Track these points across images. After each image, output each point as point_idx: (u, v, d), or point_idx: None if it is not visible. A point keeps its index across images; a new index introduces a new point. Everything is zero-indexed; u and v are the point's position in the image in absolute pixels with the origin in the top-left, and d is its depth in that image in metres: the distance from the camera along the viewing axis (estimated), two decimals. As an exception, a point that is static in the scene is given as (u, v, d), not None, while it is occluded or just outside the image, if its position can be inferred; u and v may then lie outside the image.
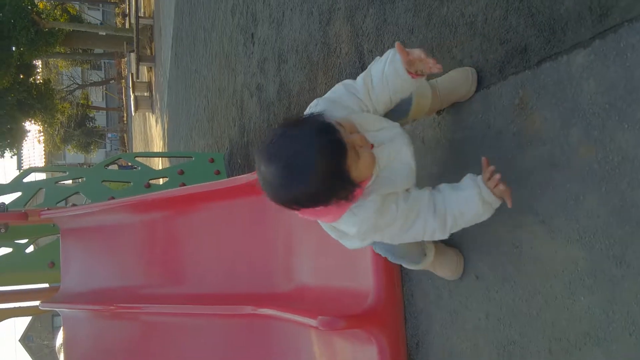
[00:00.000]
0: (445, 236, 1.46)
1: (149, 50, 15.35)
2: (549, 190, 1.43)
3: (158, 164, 10.68)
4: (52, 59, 27.11)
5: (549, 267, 1.43)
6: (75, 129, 29.93)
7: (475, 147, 1.72)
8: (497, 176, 1.38)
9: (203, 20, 6.29)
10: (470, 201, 1.41)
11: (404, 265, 1.81)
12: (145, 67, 15.84)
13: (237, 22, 4.58)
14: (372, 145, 1.39)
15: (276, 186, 1.25)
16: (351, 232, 1.42)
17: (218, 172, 4.61)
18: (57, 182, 4.45)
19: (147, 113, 16.42)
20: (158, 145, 12.89)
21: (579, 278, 1.35)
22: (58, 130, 27.46)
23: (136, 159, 5.08)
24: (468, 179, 1.44)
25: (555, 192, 1.40)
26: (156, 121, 13.86)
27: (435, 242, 1.77)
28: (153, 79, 14.96)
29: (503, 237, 1.60)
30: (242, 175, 2.87)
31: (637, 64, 1.18)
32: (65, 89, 29.96)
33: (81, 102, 31.70)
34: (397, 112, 1.67)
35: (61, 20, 19.94)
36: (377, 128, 1.45)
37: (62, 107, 26.37)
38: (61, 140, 29.44)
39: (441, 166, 1.90)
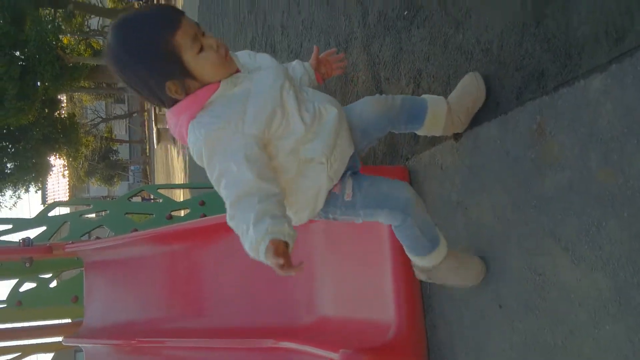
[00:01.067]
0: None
1: (170, 83, 15.62)
2: (570, 216, 1.40)
3: (180, 195, 10.77)
4: (76, 94, 27.73)
5: (573, 295, 1.40)
6: (99, 162, 30.46)
7: (493, 173, 1.70)
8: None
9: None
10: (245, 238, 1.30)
11: (407, 251, 1.69)
12: (167, 100, 16.10)
13: (256, 53, 4.64)
14: (238, 70, 1.42)
15: (109, 44, 1.32)
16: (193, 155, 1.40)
17: (238, 202, 4.61)
18: (81, 215, 4.50)
19: (169, 145, 16.64)
20: (180, 177, 13.03)
21: (603, 306, 1.31)
22: (82, 163, 27.92)
23: (158, 190, 5.14)
24: (255, 234, 1.27)
25: (577, 218, 1.38)
26: (178, 153, 14.05)
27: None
28: (175, 111, 15.18)
29: (526, 264, 1.57)
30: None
31: (655, 87, 1.17)
32: (89, 123, 30.55)
33: (105, 135, 32.31)
34: (413, 120, 1.72)
35: (85, 55, 20.42)
36: (256, 67, 1.48)
37: (87, 140, 26.88)
38: (85, 173, 29.92)
39: (460, 192, 1.88)
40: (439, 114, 1.72)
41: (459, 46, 1.86)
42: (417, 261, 1.70)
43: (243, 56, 1.51)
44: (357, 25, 2.63)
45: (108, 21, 25.24)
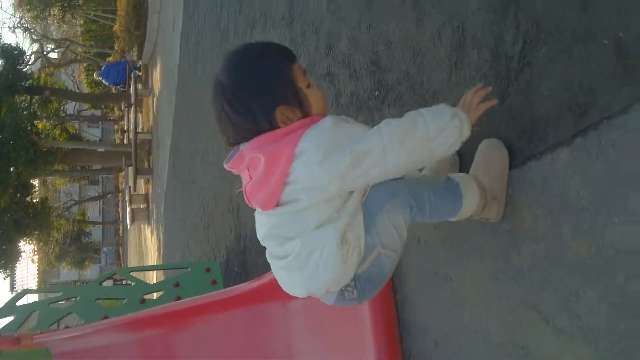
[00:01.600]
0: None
1: (146, 163, 15.63)
2: (548, 287, 1.41)
3: (153, 276, 10.56)
4: (49, 177, 27.43)
5: (558, 368, 1.39)
6: (71, 245, 29.66)
7: (471, 246, 1.72)
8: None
9: (200, 133, 6.47)
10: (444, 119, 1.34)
11: (452, 216, 1.55)
12: (142, 180, 16.07)
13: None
14: None
15: (225, 66, 1.41)
16: (311, 156, 1.30)
17: (214, 282, 4.52)
18: (51, 303, 4.34)
19: (142, 225, 16.42)
20: (153, 257, 12.79)
21: (588, 379, 1.30)
22: (53, 248, 27.21)
23: (131, 274, 5.01)
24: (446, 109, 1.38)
25: (555, 289, 1.39)
26: (151, 232, 13.85)
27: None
28: (150, 190, 15.12)
29: (508, 339, 1.56)
30: (239, 285, 2.83)
31: (619, 158, 1.21)
32: (62, 206, 30.05)
33: (78, 218, 31.70)
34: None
35: (60, 139, 20.31)
36: None
37: (59, 224, 26.32)
38: (56, 257, 29.07)
39: (441, 265, 1.88)
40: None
41: (429, 123, 1.92)
42: (467, 212, 1.55)
43: None
44: (331, 105, 2.70)
45: (85, 106, 25.49)
